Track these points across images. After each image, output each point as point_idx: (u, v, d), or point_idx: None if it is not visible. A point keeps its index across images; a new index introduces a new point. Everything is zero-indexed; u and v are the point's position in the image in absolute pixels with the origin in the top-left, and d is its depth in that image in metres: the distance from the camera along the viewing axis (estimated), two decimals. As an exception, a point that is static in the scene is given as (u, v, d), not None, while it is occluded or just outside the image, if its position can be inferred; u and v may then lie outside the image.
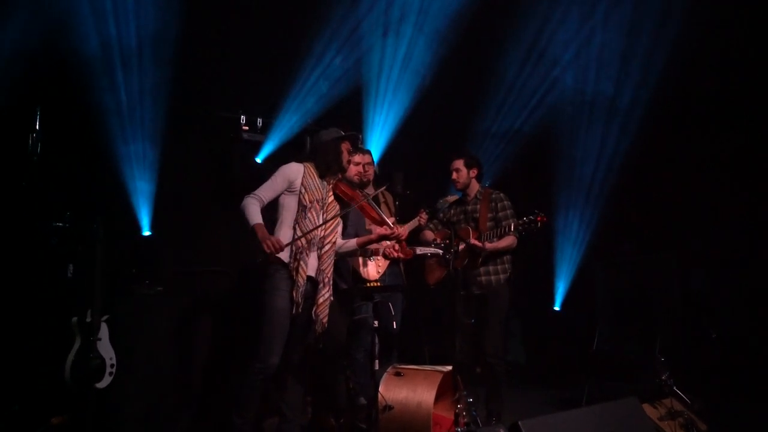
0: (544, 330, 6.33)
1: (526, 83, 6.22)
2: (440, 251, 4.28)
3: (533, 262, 5.85)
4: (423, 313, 5.64)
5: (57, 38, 4.39)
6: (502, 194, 4.62)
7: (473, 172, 4.62)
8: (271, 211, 3.75)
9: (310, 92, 5.51)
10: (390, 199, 4.82)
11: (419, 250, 4.16)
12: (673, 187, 5.75)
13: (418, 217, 4.70)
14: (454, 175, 4.63)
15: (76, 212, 4.22)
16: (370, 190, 4.58)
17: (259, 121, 5.34)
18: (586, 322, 5.91)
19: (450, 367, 4.00)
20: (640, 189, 5.94)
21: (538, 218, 4.30)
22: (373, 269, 4.49)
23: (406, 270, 4.75)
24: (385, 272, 4.56)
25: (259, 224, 3.45)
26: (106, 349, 3.96)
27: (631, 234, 5.97)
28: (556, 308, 6.28)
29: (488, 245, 4.41)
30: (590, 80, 6.09)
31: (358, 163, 4.21)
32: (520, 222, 4.37)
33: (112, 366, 3.95)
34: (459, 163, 4.61)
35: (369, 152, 4.71)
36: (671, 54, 5.54)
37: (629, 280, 5.73)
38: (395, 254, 3.97)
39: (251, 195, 3.56)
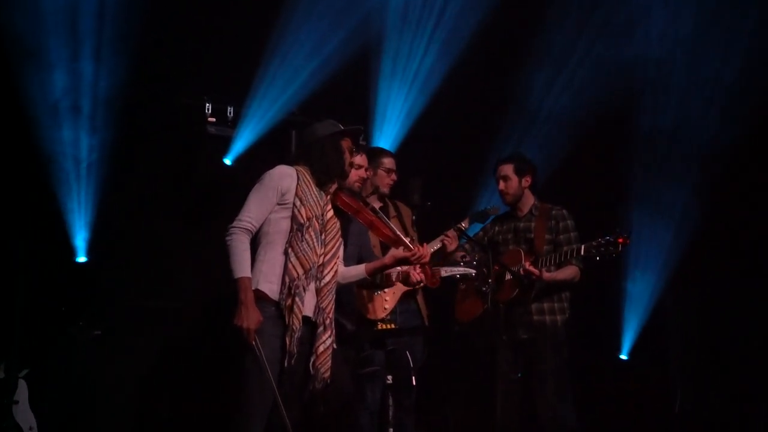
0: (606, 384, 6.18)
1: (589, 52, 6.10)
2: (472, 271, 4.19)
3: (593, 294, 5.73)
4: (448, 364, 5.58)
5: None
6: (564, 211, 4.56)
7: (526, 181, 4.56)
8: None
9: (296, 72, 5.44)
10: (407, 212, 4.74)
11: (444, 271, 4.10)
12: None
13: (442, 237, 4.60)
14: (502, 186, 4.56)
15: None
16: (375, 202, 4.54)
17: (230, 110, 5.29)
18: (665, 375, 5.86)
19: (488, 439, 3.87)
20: (742, 198, 5.82)
21: (619, 240, 4.16)
22: (378, 305, 4.39)
23: (427, 303, 4.64)
24: (395, 308, 4.44)
25: (247, 279, 3.38)
26: (24, 414, 3.92)
27: (726, 255, 5.87)
28: (623, 357, 6.14)
29: (546, 275, 4.32)
30: (681, 52, 6.00)
31: (360, 167, 4.16)
32: (594, 244, 4.24)
33: (31, 437, 3.95)
34: (507, 169, 4.54)
35: (393, 156, 4.72)
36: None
37: (719, 317, 5.66)
38: (418, 278, 3.86)
39: (239, 225, 3.43)
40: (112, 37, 4.91)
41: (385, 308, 4.39)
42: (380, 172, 4.54)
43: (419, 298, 4.56)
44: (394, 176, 4.58)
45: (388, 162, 4.59)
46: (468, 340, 5.11)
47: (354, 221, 3.82)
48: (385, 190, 4.58)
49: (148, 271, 5.03)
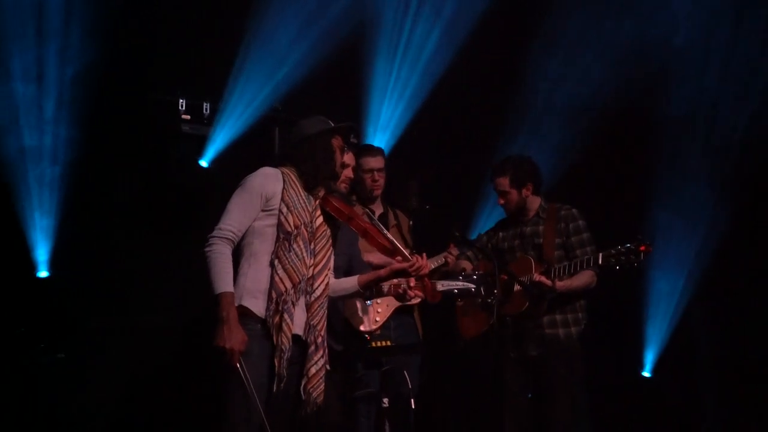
0: (627, 405, 6.19)
1: (605, 36, 6.08)
2: (472, 286, 4.13)
3: (612, 303, 5.74)
4: (451, 384, 5.60)
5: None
6: (574, 210, 4.56)
7: (526, 190, 4.55)
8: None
9: (279, 63, 5.48)
10: (404, 219, 4.75)
11: (441, 286, 4.03)
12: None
13: (445, 254, 4.62)
14: (501, 201, 4.59)
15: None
16: (377, 208, 4.59)
17: (206, 106, 5.31)
18: (692, 394, 5.91)
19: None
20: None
21: (642, 247, 4.17)
22: (370, 316, 4.40)
23: (424, 317, 4.64)
24: (389, 321, 4.45)
25: (229, 294, 3.33)
26: (-19, 446, 4.04)
27: (759, 260, 5.86)
28: (646, 374, 6.17)
29: (559, 284, 4.30)
30: (710, 36, 5.98)
31: (346, 165, 4.13)
32: (613, 252, 4.25)
33: (-12, 478, 4.04)
34: (503, 184, 4.54)
35: (382, 152, 4.69)
36: None
37: (752, 330, 5.67)
38: (413, 294, 3.84)
39: (219, 234, 3.40)
40: (79, 29, 4.97)
41: (376, 320, 4.40)
42: (358, 174, 4.49)
43: (415, 311, 4.57)
44: (376, 176, 4.57)
45: (366, 162, 4.55)
46: (472, 358, 5.14)
47: (344, 228, 3.77)
48: (377, 193, 4.58)
49: (116, 287, 5.02)
